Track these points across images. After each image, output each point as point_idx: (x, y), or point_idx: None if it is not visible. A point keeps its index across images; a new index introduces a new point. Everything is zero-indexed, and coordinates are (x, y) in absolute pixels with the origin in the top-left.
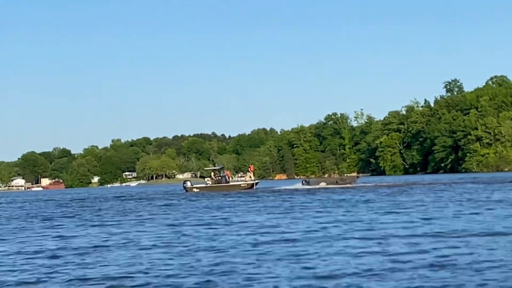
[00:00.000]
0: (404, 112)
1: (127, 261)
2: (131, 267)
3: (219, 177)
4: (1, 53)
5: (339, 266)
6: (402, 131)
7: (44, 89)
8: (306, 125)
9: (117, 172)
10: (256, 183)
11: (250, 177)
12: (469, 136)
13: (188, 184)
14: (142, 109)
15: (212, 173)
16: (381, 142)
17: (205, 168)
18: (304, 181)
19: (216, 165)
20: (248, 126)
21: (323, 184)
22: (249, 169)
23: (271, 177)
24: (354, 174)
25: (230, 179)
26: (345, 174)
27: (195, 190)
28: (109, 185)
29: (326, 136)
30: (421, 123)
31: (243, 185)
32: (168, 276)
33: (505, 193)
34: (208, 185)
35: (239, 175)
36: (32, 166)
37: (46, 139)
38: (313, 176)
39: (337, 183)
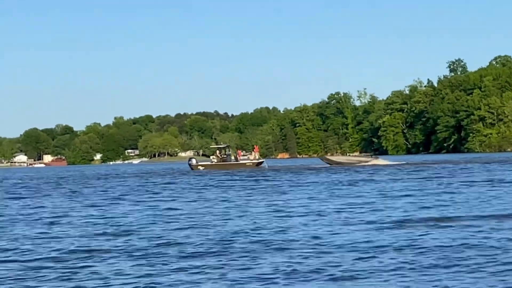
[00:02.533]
0: (407, 92)
1: None
2: None
3: (225, 155)
4: (3, 28)
5: None
6: (405, 111)
7: (47, 65)
8: (309, 104)
9: (119, 150)
10: (261, 162)
11: (255, 156)
12: (472, 116)
13: (194, 161)
14: (145, 87)
15: (218, 151)
16: (384, 122)
17: (211, 146)
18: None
19: (222, 143)
20: (251, 104)
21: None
22: (253, 149)
23: (273, 156)
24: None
25: (240, 157)
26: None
27: (200, 168)
28: (111, 163)
29: (329, 115)
30: (424, 103)
31: (249, 163)
32: None
33: None
34: (214, 163)
35: (242, 153)
36: (35, 142)
37: (48, 116)
38: (315, 155)
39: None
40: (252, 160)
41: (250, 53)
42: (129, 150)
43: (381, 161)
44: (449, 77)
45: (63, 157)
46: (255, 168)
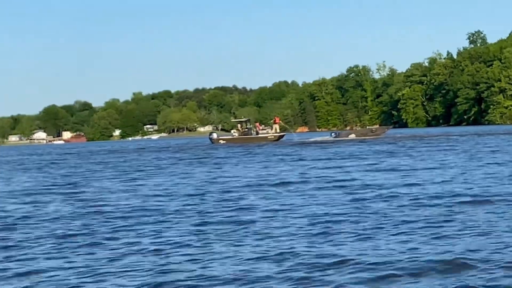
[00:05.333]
0: (426, 64)
1: None
2: None
3: (246, 129)
4: (22, 6)
5: None
6: (424, 83)
7: (65, 41)
8: (328, 77)
9: (138, 125)
10: (283, 135)
11: (276, 129)
12: (492, 88)
13: (214, 136)
14: (163, 62)
15: (239, 125)
16: (403, 95)
17: (232, 120)
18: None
19: (242, 117)
20: (270, 78)
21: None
22: (274, 120)
23: (292, 130)
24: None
25: (260, 131)
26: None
27: (221, 142)
28: (130, 138)
29: (348, 88)
30: (443, 75)
31: (270, 137)
32: None
33: None
34: (235, 137)
35: (261, 127)
36: (54, 119)
37: (67, 93)
38: (335, 128)
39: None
40: (273, 133)
41: (268, 27)
42: (148, 126)
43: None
44: (468, 49)
45: (82, 134)
46: (278, 143)
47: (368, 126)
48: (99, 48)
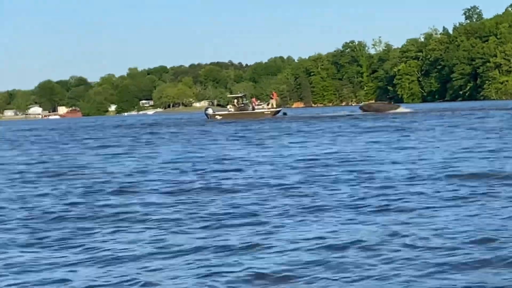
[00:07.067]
0: (422, 40)
1: None
2: None
3: (242, 104)
4: None
5: None
6: (420, 59)
7: (60, 16)
8: (324, 53)
9: (134, 101)
10: (279, 111)
11: (272, 104)
12: (488, 64)
13: (210, 111)
14: (159, 37)
15: (235, 100)
16: (399, 70)
17: (228, 95)
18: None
19: (239, 92)
20: (265, 54)
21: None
22: (272, 96)
23: (288, 105)
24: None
25: (256, 106)
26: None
27: (217, 117)
28: (126, 114)
29: (343, 64)
30: (439, 51)
31: (266, 112)
32: None
33: None
34: (231, 112)
35: (257, 103)
36: (49, 94)
37: (62, 68)
38: (330, 104)
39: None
40: (269, 108)
41: (264, 2)
42: (144, 101)
43: None
44: (464, 24)
45: (78, 109)
46: (274, 118)
47: (364, 101)
48: (95, 23)
